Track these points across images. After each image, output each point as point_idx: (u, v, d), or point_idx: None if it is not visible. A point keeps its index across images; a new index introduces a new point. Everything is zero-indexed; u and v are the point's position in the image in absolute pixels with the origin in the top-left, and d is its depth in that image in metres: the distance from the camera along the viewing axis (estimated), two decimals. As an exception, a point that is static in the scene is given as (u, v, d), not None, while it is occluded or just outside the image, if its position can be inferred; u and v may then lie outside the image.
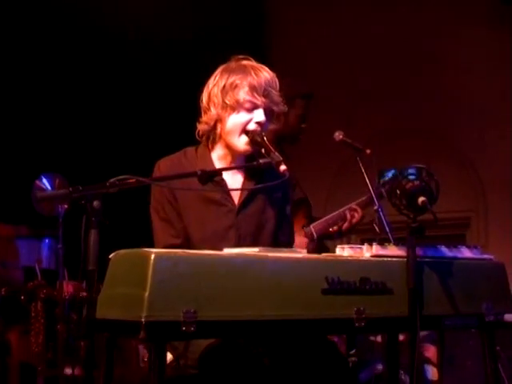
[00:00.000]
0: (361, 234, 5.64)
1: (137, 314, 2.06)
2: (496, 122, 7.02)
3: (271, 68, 2.97)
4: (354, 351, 3.03)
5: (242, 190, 2.90)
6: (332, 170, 7.40)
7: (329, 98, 7.15)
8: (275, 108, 2.90)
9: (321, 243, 4.48)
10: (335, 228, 4.41)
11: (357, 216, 4.41)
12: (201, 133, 2.95)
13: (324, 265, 2.36)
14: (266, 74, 2.87)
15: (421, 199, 2.38)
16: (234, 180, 2.93)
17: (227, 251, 2.37)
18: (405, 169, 2.51)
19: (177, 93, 6.40)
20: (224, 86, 2.84)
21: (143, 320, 2.04)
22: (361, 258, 2.47)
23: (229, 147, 2.91)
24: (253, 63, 2.91)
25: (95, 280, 2.32)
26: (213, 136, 2.92)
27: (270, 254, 2.30)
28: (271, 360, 2.73)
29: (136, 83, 6.51)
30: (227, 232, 2.84)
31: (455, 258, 2.61)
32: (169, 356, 2.95)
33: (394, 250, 2.53)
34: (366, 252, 2.50)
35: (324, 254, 2.49)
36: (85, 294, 4.68)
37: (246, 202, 2.89)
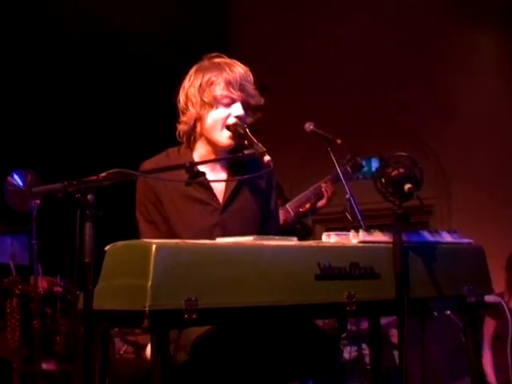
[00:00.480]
0: (334, 222, 5.75)
1: (140, 303, 2.10)
2: (457, 112, 7.19)
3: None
4: (345, 334, 3.12)
5: (225, 181, 2.95)
6: (296, 161, 7.49)
7: (292, 90, 7.24)
8: (252, 101, 2.96)
9: (302, 223, 4.60)
10: (307, 206, 4.53)
11: (329, 191, 4.54)
12: (181, 133, 3.00)
13: (316, 251, 2.43)
14: (239, 69, 2.94)
15: (407, 186, 2.46)
16: (217, 178, 2.97)
17: (221, 240, 2.43)
18: (389, 157, 2.59)
19: (149, 92, 6.45)
20: (200, 85, 2.90)
21: (147, 309, 2.08)
22: (350, 244, 2.54)
23: (211, 144, 2.96)
24: (226, 59, 2.97)
25: (91, 272, 2.36)
26: (193, 135, 2.97)
27: (265, 242, 2.37)
28: (260, 346, 2.80)
29: (108, 82, 6.53)
30: (213, 230, 2.89)
31: (438, 243, 2.69)
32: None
33: (379, 236, 2.61)
34: (353, 238, 2.58)
35: (315, 241, 2.55)
36: (59, 289, 4.74)
37: (230, 200, 2.95)
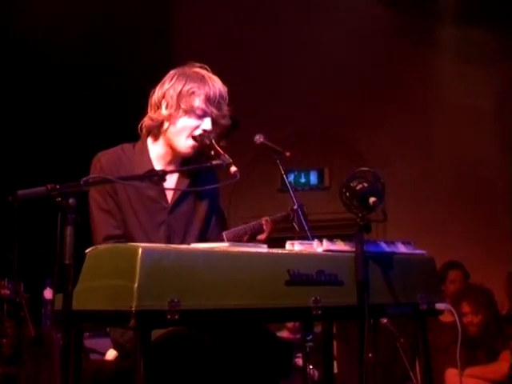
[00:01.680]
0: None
1: (126, 303, 2.20)
2: (394, 126, 7.47)
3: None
4: (310, 337, 3.26)
5: (179, 190, 3.08)
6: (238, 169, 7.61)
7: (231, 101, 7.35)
8: (222, 121, 3.10)
9: None
10: (246, 238, 4.68)
11: (269, 228, 4.70)
12: (144, 127, 3.11)
13: (286, 258, 2.58)
14: (220, 86, 3.07)
15: (372, 199, 2.63)
16: (168, 179, 3.06)
17: (195, 246, 2.55)
18: (354, 172, 2.75)
19: (97, 94, 6.52)
20: (181, 91, 3.02)
21: (133, 309, 2.18)
22: (316, 253, 2.69)
23: (171, 147, 3.07)
24: (209, 73, 3.10)
25: (71, 274, 2.44)
26: (155, 132, 3.09)
27: (239, 249, 2.50)
28: (215, 350, 2.91)
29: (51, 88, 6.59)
30: (159, 228, 3.03)
31: (394, 253, 2.87)
32: (113, 353, 3.10)
33: (341, 246, 2.76)
34: (318, 247, 2.74)
35: (284, 249, 2.70)
36: (7, 291, 4.75)
37: (178, 201, 3.08)
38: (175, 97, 3.02)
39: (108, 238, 2.96)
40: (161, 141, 3.09)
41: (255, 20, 8.01)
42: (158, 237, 2.98)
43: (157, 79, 3.16)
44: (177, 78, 3.05)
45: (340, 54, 7.60)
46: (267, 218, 4.70)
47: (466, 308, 5.54)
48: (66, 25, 6.73)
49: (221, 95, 3.05)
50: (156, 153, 3.09)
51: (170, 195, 3.08)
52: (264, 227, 4.64)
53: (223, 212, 4.79)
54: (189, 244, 2.63)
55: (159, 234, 3.00)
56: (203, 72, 3.08)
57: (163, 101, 3.04)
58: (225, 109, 3.08)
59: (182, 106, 3.01)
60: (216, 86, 3.05)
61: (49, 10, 6.64)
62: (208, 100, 3.01)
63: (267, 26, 7.97)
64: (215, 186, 3.07)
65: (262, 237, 4.65)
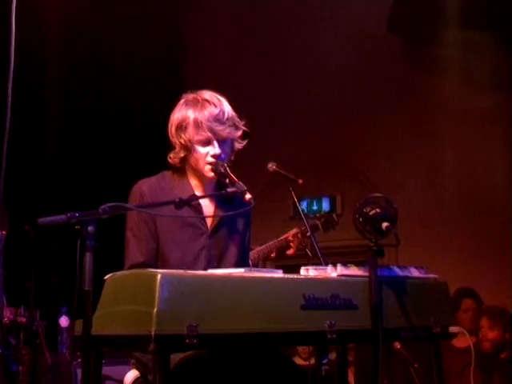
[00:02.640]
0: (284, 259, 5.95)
1: (146, 328, 2.25)
2: (399, 148, 7.54)
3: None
4: (326, 360, 3.30)
5: (213, 216, 3.15)
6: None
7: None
8: (229, 135, 3.12)
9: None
10: (273, 255, 4.70)
11: (296, 242, 4.72)
12: (171, 166, 3.19)
13: (301, 283, 2.63)
14: (211, 109, 3.07)
15: (385, 224, 2.68)
16: (207, 206, 3.17)
17: (212, 272, 2.60)
18: (367, 198, 2.80)
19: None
20: (176, 127, 3.09)
21: (153, 334, 2.24)
22: (330, 277, 2.74)
23: (199, 177, 3.16)
24: (198, 97, 3.11)
25: (91, 300, 2.49)
26: (183, 169, 3.18)
27: (256, 275, 2.55)
28: (235, 375, 2.95)
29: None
30: (200, 252, 3.09)
31: (407, 277, 2.91)
32: (132, 376, 3.14)
33: (355, 270, 2.81)
34: (332, 272, 2.78)
35: (299, 274, 2.75)
36: (23, 319, 4.80)
37: (217, 226, 3.14)
38: (175, 135, 3.09)
39: (134, 265, 3.00)
40: (190, 172, 3.18)
41: (268, 45, 8.12)
42: (198, 261, 3.06)
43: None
44: (173, 113, 3.12)
45: (351, 83, 7.68)
46: (296, 230, 4.69)
47: (483, 322, 5.55)
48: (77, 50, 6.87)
49: (212, 117, 3.05)
50: (193, 181, 3.18)
51: (208, 220, 3.15)
52: (291, 243, 4.66)
53: None
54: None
55: (199, 259, 3.07)
56: (194, 98, 3.11)
57: (173, 141, 3.13)
58: (224, 127, 3.07)
59: (183, 143, 3.08)
60: (205, 111, 3.05)
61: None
62: (199, 128, 3.04)
63: (279, 52, 8.06)
64: (232, 213, 3.11)
65: (290, 252, 4.68)
